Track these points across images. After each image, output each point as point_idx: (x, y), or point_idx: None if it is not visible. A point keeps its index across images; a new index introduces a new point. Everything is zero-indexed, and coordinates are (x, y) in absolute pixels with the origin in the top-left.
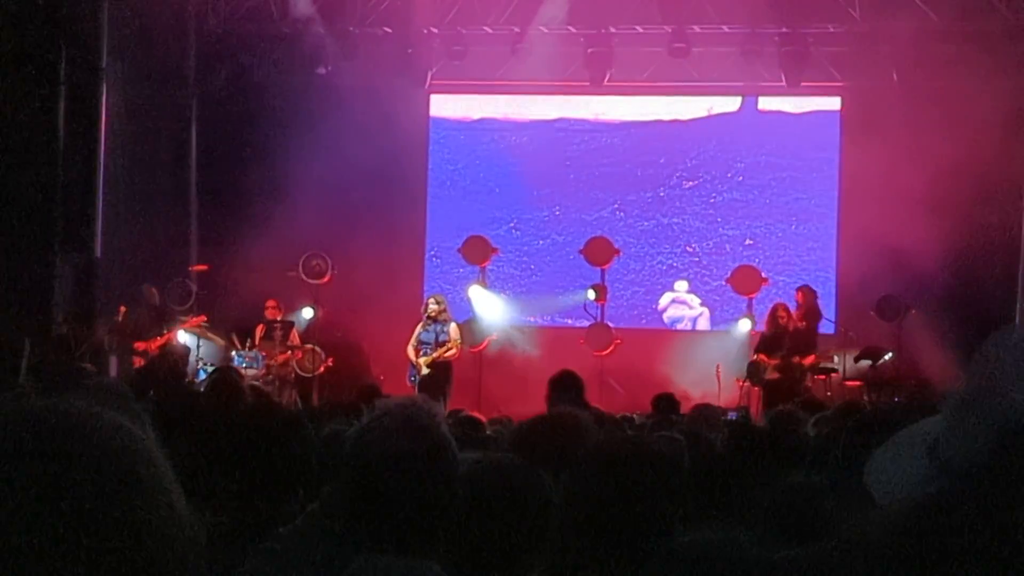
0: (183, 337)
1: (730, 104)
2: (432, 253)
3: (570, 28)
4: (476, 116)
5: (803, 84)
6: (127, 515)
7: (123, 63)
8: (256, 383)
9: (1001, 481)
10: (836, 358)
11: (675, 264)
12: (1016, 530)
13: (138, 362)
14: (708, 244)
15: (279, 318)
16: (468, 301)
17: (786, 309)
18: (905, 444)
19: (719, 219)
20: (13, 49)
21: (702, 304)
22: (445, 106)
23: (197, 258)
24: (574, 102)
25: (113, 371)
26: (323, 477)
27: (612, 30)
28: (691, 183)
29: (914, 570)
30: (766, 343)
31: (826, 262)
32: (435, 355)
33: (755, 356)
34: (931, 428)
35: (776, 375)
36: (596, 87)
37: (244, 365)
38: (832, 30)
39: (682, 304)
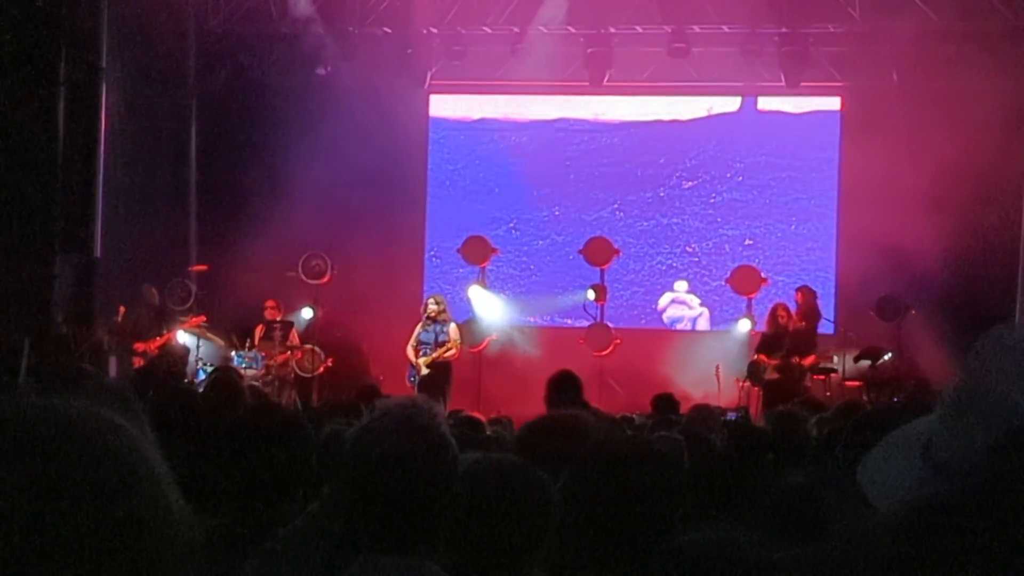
0: (183, 337)
1: (730, 104)
2: (432, 253)
3: (570, 28)
4: (476, 116)
5: (803, 84)
6: (123, 514)
7: (123, 63)
8: (256, 383)
9: (1001, 483)
10: (836, 358)
11: (675, 264)
12: (1017, 532)
13: (138, 362)
14: (708, 244)
15: (279, 318)
16: (468, 301)
17: (786, 309)
18: (898, 445)
19: (719, 219)
20: (13, 49)
21: (702, 304)
22: (445, 106)
23: (197, 258)
24: (574, 102)
25: (113, 371)
26: (323, 477)
27: (612, 30)
28: (691, 183)
29: (914, 571)
30: (766, 343)
31: (826, 262)
32: (435, 355)
33: (755, 356)
34: (924, 429)
35: (776, 375)
36: (596, 87)
37: (244, 365)
38: (832, 30)
39: (682, 304)
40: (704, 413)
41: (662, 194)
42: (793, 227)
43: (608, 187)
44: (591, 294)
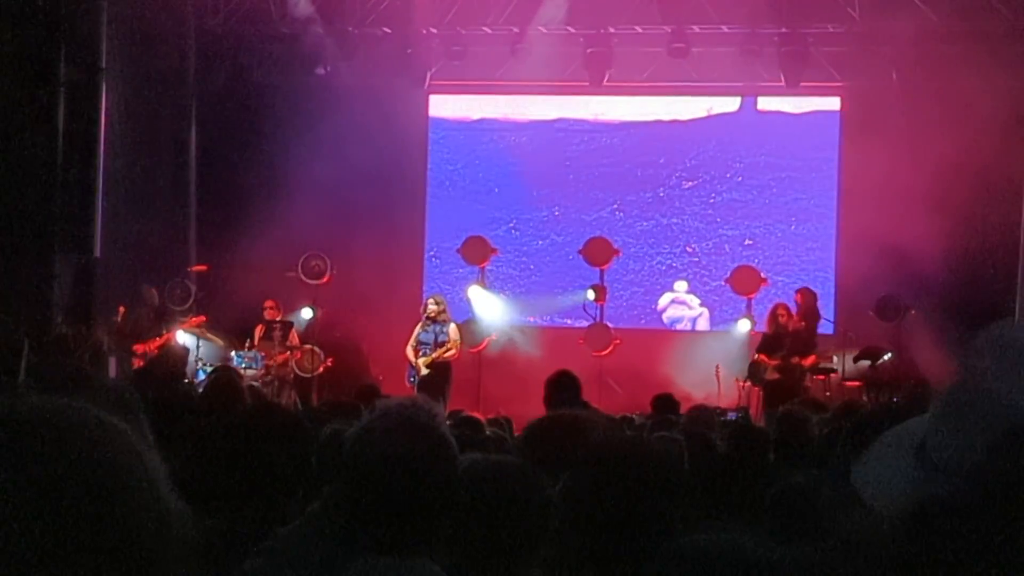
0: (183, 337)
1: (729, 104)
2: (431, 253)
3: (569, 28)
4: (475, 116)
5: (803, 84)
6: (118, 515)
7: (123, 63)
8: (255, 383)
9: (1001, 483)
10: (835, 358)
11: (674, 264)
12: (1017, 533)
13: (138, 363)
14: (707, 244)
15: (278, 318)
16: (467, 301)
17: (786, 308)
18: (893, 445)
19: (718, 219)
20: (13, 49)
21: (701, 304)
22: (444, 106)
23: (197, 258)
24: (574, 102)
25: (113, 371)
26: (323, 477)
27: (611, 30)
28: (691, 183)
29: (914, 572)
30: (767, 343)
31: (825, 262)
32: (434, 355)
33: (756, 356)
34: (918, 429)
35: (776, 375)
36: (595, 87)
37: (243, 365)
38: (832, 30)
39: (681, 304)
40: (703, 414)
41: (662, 194)
42: (793, 227)
43: (608, 187)
44: (591, 294)
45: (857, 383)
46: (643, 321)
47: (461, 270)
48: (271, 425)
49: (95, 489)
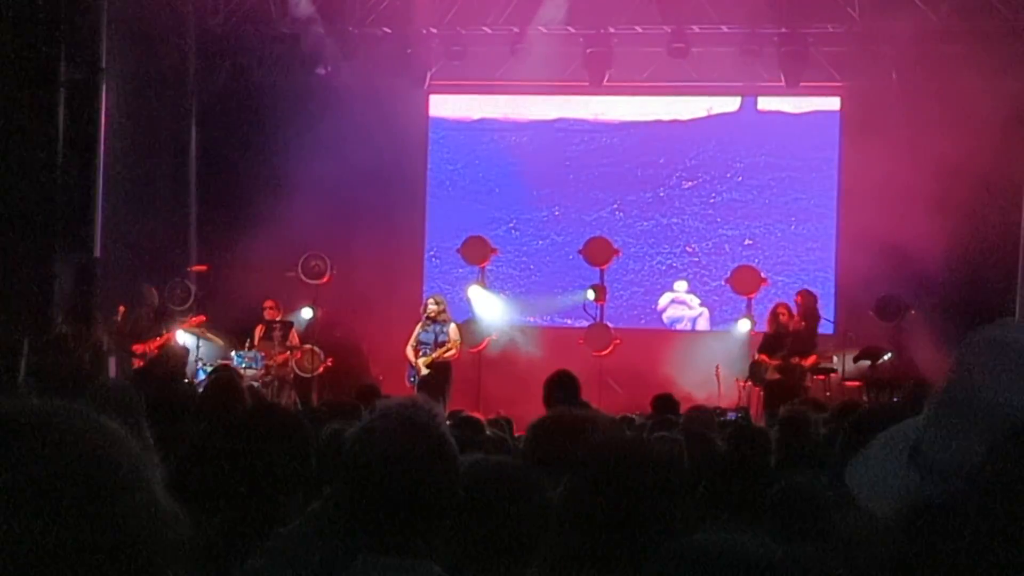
0: (183, 337)
1: (729, 104)
2: (431, 253)
3: (569, 28)
4: (476, 116)
5: (802, 84)
6: (109, 516)
7: (123, 63)
8: (255, 383)
9: (999, 484)
10: (835, 358)
11: (674, 264)
12: (1015, 534)
13: (138, 363)
14: (707, 244)
15: (278, 318)
16: (467, 301)
17: (787, 307)
18: (887, 446)
19: (718, 219)
20: (13, 49)
21: (701, 304)
22: (444, 106)
23: (197, 258)
24: (574, 102)
25: (113, 371)
26: (323, 477)
27: (611, 30)
28: (690, 183)
29: (914, 573)
30: (768, 343)
31: (825, 262)
32: (434, 355)
33: (757, 356)
34: (912, 429)
35: (776, 375)
36: (595, 87)
37: (244, 365)
38: (832, 30)
39: (681, 304)
40: (702, 414)
41: (662, 194)
42: (793, 227)
43: (608, 187)
44: (591, 294)
45: (857, 383)
46: (643, 321)
47: (461, 270)
48: (271, 425)
49: (89, 491)
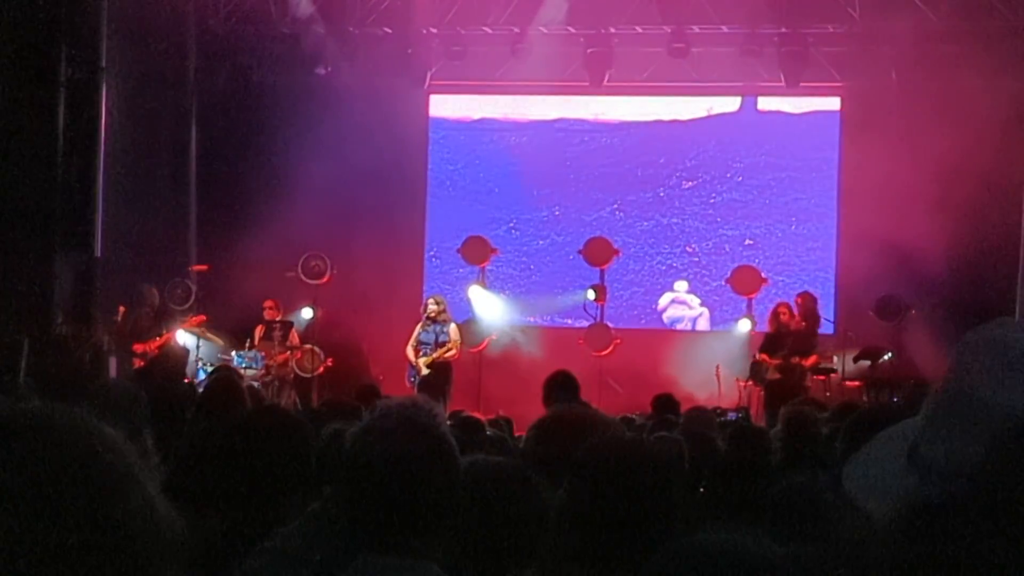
0: (183, 337)
1: (730, 104)
2: (432, 253)
3: (569, 28)
4: (476, 116)
5: (802, 84)
6: (104, 519)
7: (123, 63)
8: (255, 384)
9: (999, 485)
10: (836, 358)
11: (675, 264)
12: (1015, 534)
13: (138, 363)
14: (708, 244)
15: (278, 318)
16: (468, 301)
17: (788, 307)
18: (884, 446)
19: (719, 219)
20: (13, 49)
21: (702, 304)
22: (445, 106)
23: (197, 258)
24: (574, 102)
25: (113, 371)
26: (323, 477)
27: (611, 30)
28: (691, 183)
29: (913, 573)
30: (769, 342)
31: (826, 262)
32: (435, 355)
33: (758, 356)
34: (910, 430)
35: (777, 375)
36: (596, 87)
37: (244, 365)
38: (832, 30)
39: (682, 304)
40: (702, 414)
41: (662, 194)
42: (793, 227)
43: (608, 187)
44: (591, 294)
45: (857, 383)
46: (643, 321)
47: (461, 270)
48: (271, 425)
49: (84, 495)
